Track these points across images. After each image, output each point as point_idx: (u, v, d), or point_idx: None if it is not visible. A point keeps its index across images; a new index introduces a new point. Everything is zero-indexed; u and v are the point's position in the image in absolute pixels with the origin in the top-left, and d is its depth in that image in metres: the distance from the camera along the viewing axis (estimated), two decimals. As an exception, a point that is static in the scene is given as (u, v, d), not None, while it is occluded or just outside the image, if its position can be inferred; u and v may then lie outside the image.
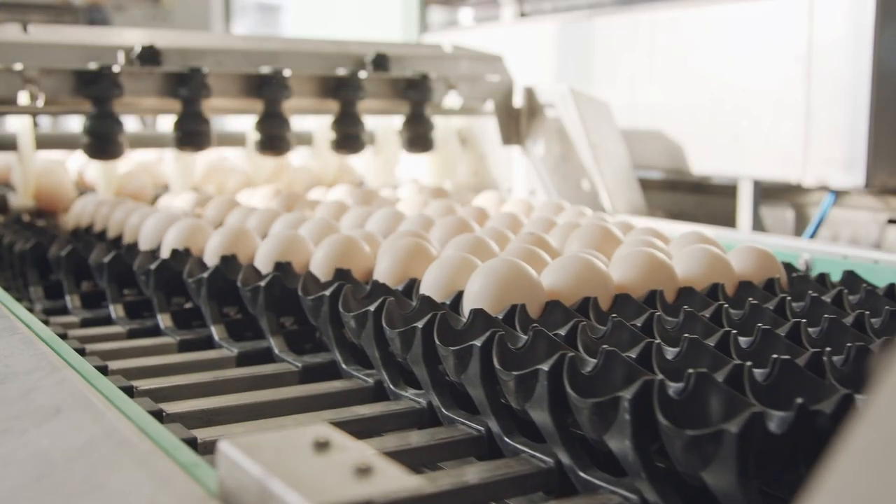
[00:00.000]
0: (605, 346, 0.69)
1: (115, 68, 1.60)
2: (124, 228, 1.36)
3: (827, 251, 1.34)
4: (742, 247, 1.09)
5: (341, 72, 1.81)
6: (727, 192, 2.12)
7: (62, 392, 0.69)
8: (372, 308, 0.86)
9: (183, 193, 1.64)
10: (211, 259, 1.14)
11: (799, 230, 2.05)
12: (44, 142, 1.79)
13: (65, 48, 1.64)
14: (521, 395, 0.70)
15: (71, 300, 1.22)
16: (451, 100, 1.95)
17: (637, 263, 0.98)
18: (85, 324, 1.15)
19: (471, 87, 1.98)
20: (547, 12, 2.72)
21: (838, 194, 1.90)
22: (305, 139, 1.97)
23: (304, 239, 1.13)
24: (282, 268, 1.08)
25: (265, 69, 1.73)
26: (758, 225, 2.00)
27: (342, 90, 1.80)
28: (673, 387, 0.62)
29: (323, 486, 0.45)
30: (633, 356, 0.72)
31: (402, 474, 0.47)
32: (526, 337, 0.76)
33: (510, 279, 0.88)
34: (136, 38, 1.72)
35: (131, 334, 1.09)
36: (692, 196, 2.26)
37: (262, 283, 1.01)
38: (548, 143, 1.99)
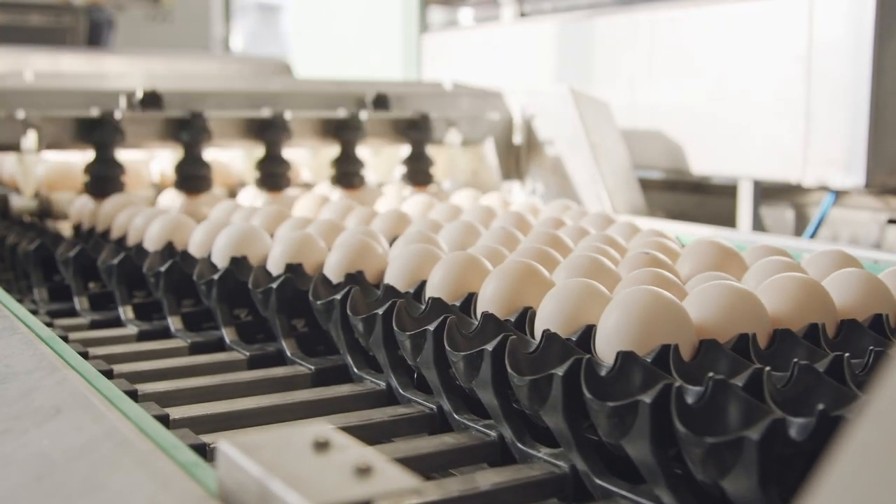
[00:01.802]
0: (822, 407, 0.55)
1: (117, 114, 1.61)
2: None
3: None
4: (894, 269, 0.94)
5: (342, 113, 1.83)
6: (727, 192, 2.12)
7: (62, 392, 0.69)
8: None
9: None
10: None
11: (799, 230, 2.05)
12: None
13: (66, 94, 1.66)
14: (713, 468, 0.56)
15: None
16: (452, 137, 1.97)
17: (790, 292, 0.82)
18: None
19: (471, 125, 2.00)
20: (547, 12, 2.72)
21: (838, 194, 1.90)
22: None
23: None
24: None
25: (266, 112, 1.75)
26: (758, 225, 2.00)
27: (343, 131, 1.82)
28: None
29: (323, 486, 0.45)
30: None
31: (402, 474, 0.47)
32: (701, 389, 0.61)
33: (656, 314, 0.72)
34: (137, 82, 1.74)
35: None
36: (692, 196, 2.26)
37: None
38: (546, 180, 2.01)
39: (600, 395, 0.64)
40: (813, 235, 1.90)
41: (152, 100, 1.67)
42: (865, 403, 0.34)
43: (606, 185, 1.88)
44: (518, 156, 2.05)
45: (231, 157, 2.01)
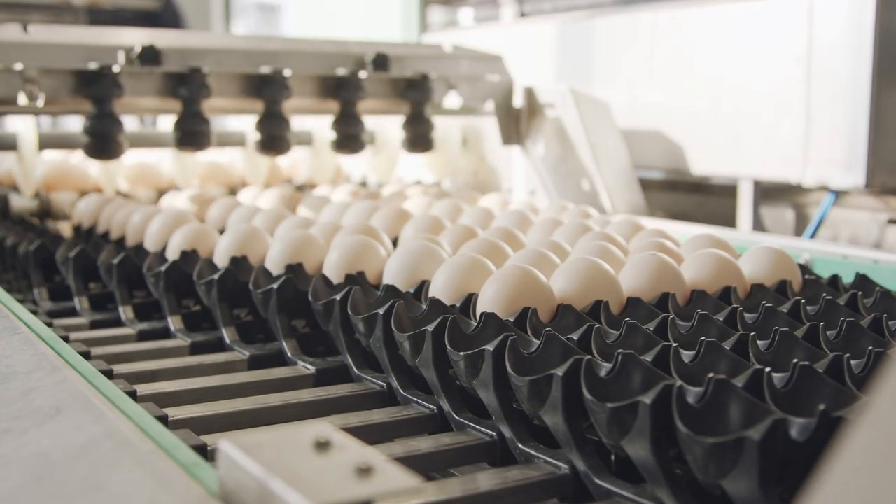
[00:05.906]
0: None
1: (115, 68, 1.60)
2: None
3: (827, 251, 1.34)
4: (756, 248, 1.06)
5: (341, 72, 1.81)
6: (727, 192, 2.12)
7: (62, 392, 0.69)
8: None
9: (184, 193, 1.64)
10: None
11: (799, 230, 2.05)
12: (44, 142, 1.78)
13: (65, 48, 1.64)
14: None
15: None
16: (452, 100, 1.95)
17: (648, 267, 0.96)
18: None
19: (471, 87, 1.98)
20: (547, 12, 2.72)
21: (838, 194, 1.90)
22: (305, 139, 1.97)
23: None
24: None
25: (265, 69, 1.73)
26: (758, 225, 2.00)
27: (342, 90, 1.80)
28: None
29: (323, 486, 0.45)
30: None
31: (402, 474, 0.47)
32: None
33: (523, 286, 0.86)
34: (136, 38, 1.72)
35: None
36: (692, 196, 2.26)
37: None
38: (548, 143, 1.99)
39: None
40: (813, 235, 1.90)
41: (151, 55, 1.65)
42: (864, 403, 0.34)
43: (606, 185, 1.88)
44: (518, 119, 2.03)
45: (232, 158, 2.01)
